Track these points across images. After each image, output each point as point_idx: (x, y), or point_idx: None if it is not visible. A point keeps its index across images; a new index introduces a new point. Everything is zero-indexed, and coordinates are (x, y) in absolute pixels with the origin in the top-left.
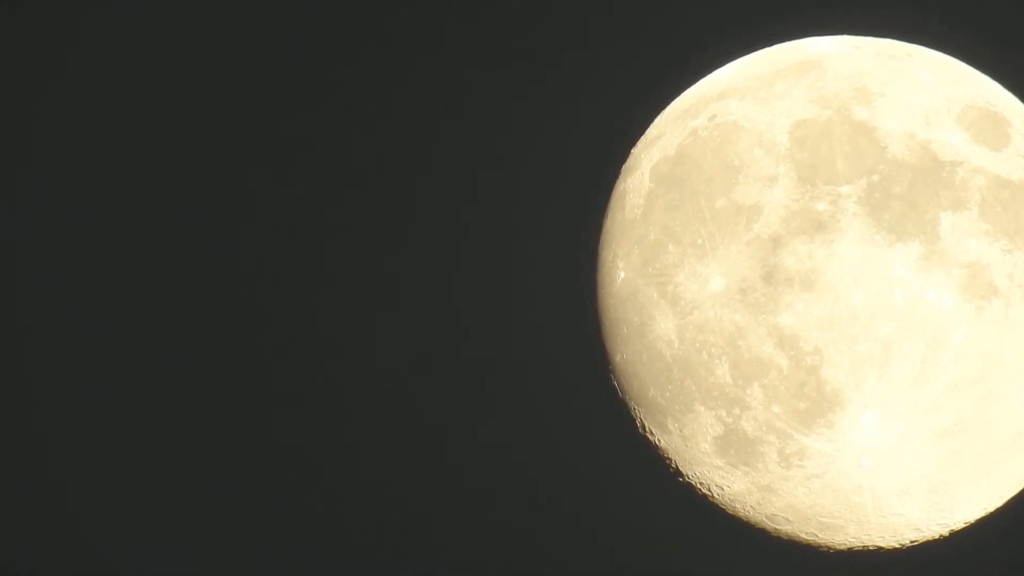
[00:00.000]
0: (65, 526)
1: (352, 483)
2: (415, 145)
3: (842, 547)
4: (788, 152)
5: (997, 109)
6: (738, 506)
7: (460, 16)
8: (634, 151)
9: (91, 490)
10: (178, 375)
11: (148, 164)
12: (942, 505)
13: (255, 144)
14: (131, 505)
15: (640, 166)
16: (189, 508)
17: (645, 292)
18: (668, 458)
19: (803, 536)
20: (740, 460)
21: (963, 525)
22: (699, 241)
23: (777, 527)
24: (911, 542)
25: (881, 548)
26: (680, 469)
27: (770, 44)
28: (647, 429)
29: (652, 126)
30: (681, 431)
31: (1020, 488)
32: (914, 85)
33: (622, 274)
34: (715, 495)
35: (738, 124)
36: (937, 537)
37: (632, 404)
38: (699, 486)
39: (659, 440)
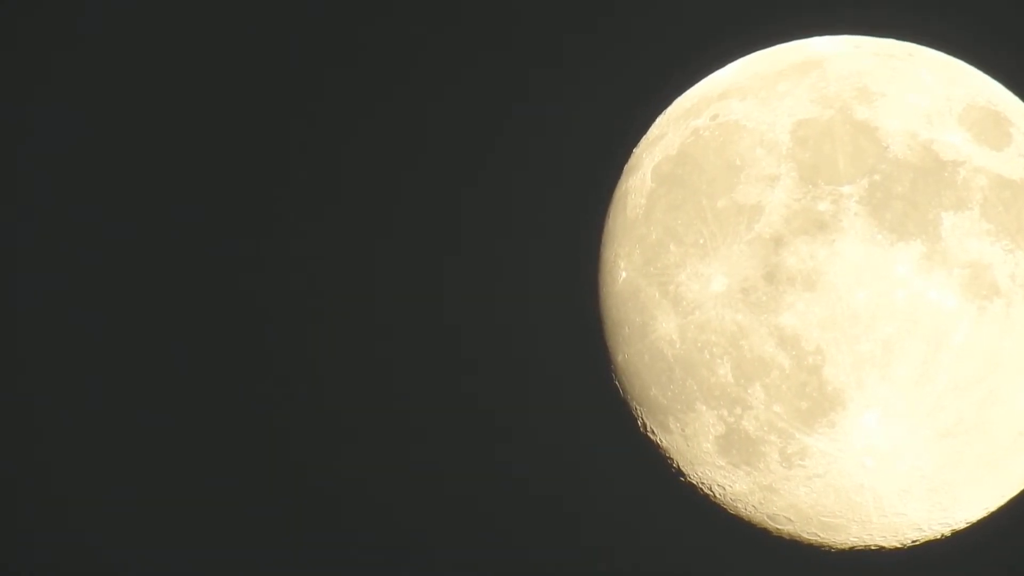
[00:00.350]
0: (65, 526)
1: (352, 483)
2: (415, 145)
3: (844, 547)
4: (790, 152)
5: (998, 109)
6: (740, 506)
7: (460, 16)
8: (636, 151)
9: (91, 490)
10: (178, 375)
11: (148, 164)
12: (944, 505)
13: (255, 144)
14: (131, 505)
15: (642, 166)
16: (189, 508)
17: (647, 292)
18: (670, 458)
19: (805, 536)
20: (742, 460)
21: (965, 525)
22: (701, 241)
23: (779, 527)
24: (913, 542)
25: (883, 548)
26: (682, 469)
27: (771, 44)
28: (648, 429)
29: (654, 126)
30: (683, 431)
31: (1022, 488)
32: (915, 85)
33: (624, 274)
34: (717, 495)
35: (740, 124)
36: (939, 537)
37: (634, 404)
38: (701, 486)
39: (661, 440)
